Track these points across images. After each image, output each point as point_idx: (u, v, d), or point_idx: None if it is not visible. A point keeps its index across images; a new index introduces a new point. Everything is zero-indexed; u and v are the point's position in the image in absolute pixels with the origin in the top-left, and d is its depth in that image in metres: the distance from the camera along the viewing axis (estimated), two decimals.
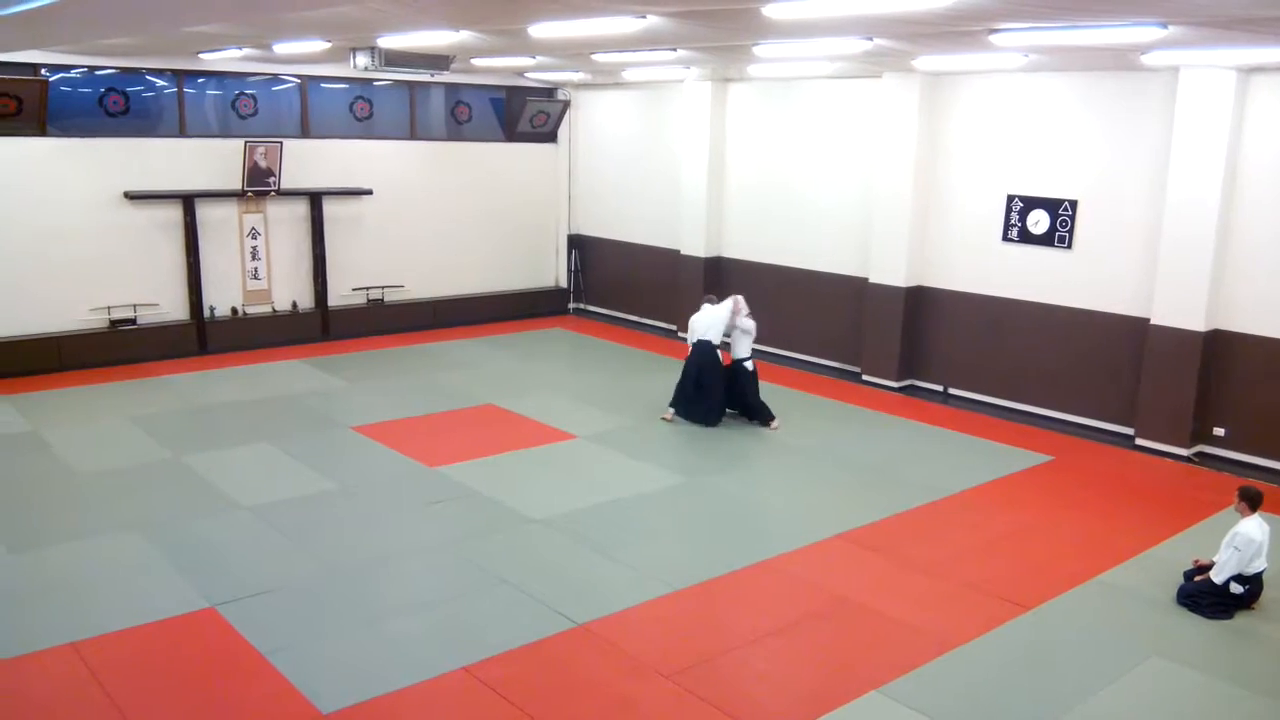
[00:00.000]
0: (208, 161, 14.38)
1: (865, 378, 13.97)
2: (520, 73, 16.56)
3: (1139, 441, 11.35)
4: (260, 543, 8.32)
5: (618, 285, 18.11)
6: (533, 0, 7.44)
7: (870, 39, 9.32)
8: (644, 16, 8.10)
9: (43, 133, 12.95)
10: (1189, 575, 7.64)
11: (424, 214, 16.69)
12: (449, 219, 17.01)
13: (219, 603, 7.21)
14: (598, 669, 6.52)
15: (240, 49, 12.46)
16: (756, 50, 10.95)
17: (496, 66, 15.07)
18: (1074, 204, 11.83)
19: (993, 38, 8.67)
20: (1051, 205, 12.04)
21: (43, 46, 12.17)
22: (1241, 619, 7.33)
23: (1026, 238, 12.33)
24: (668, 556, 8.22)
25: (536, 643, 6.78)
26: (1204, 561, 7.60)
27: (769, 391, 11.87)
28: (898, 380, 13.64)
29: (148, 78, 14.22)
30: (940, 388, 13.49)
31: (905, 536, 8.74)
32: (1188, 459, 10.98)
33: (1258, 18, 7.05)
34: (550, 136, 18.19)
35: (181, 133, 14.44)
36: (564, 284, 18.75)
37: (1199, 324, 10.81)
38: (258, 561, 7.96)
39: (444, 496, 9.37)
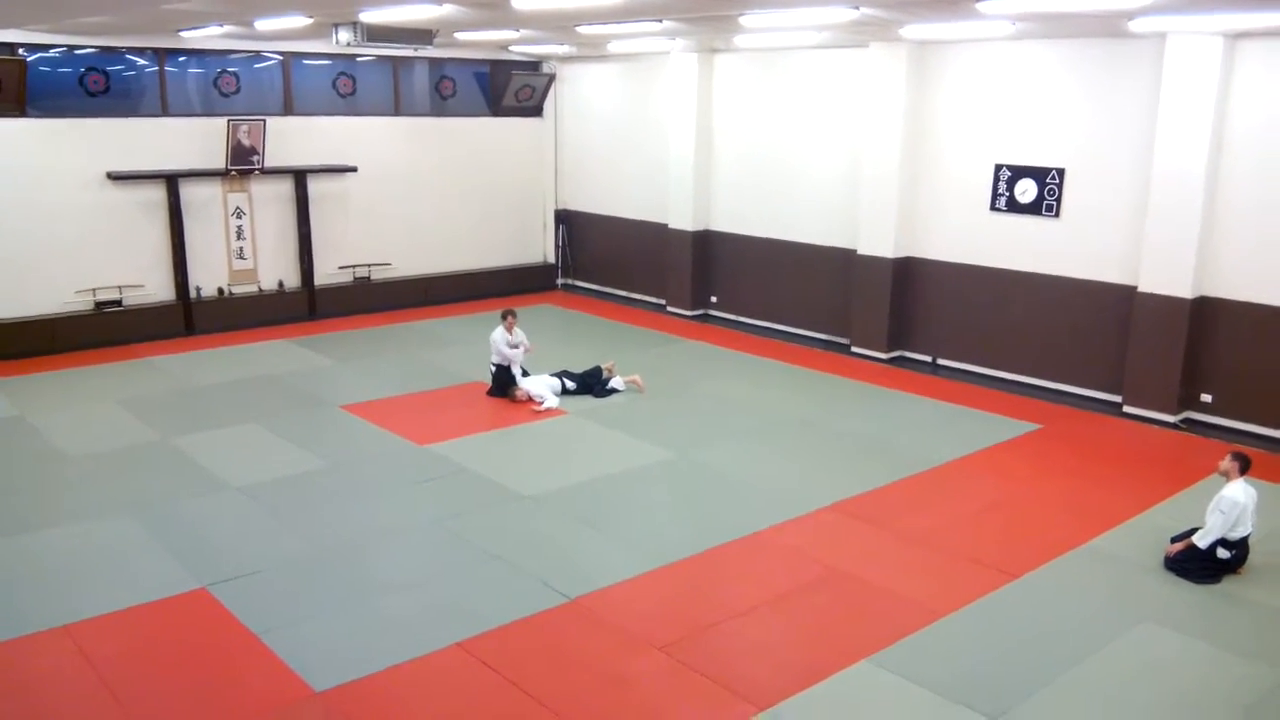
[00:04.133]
0: (191, 140, 14.24)
1: (854, 349, 13.98)
2: (504, 46, 16.41)
3: (1126, 409, 11.39)
4: (251, 523, 8.31)
5: (606, 260, 18.05)
6: None
7: (857, 7, 9.26)
8: None
9: (22, 113, 12.82)
10: (1175, 539, 7.68)
11: (410, 191, 16.58)
12: (435, 195, 16.91)
13: (210, 583, 7.21)
14: (590, 643, 6.54)
15: (221, 26, 12.32)
16: (742, 20, 10.86)
17: (480, 40, 14.94)
18: (1061, 173, 11.81)
19: (980, 5, 8.63)
20: (1039, 174, 12.02)
21: (17, 26, 12.00)
22: (1229, 583, 7.39)
23: (1014, 207, 12.31)
24: (659, 530, 8.24)
25: (529, 618, 6.79)
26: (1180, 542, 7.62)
27: (756, 363, 11.81)
28: (886, 351, 13.65)
29: (128, 57, 14.05)
30: (929, 358, 13.51)
31: (896, 507, 8.77)
32: (1175, 425, 11.03)
33: None
34: (536, 110, 18.06)
35: (164, 112, 14.29)
36: (552, 259, 18.69)
37: (1186, 291, 10.83)
38: (248, 541, 7.95)
39: (435, 474, 9.37)
